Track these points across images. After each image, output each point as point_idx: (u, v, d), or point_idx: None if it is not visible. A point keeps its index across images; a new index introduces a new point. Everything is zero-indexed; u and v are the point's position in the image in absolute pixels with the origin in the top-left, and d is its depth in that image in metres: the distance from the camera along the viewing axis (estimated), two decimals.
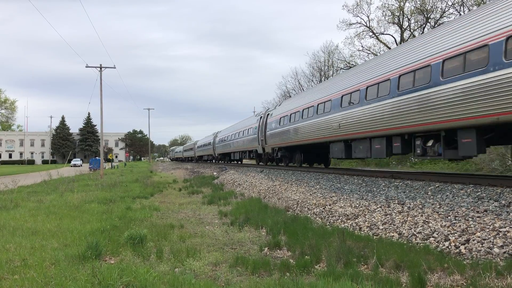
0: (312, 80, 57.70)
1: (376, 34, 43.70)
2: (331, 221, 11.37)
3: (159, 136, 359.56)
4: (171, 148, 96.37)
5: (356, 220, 10.61)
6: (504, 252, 6.54)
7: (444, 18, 36.04)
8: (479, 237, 7.29)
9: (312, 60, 67.86)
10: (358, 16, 43.86)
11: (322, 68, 56.27)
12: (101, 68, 38.74)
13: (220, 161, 55.74)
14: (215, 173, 35.89)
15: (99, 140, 57.88)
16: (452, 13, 35.18)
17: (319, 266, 7.22)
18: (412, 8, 39.64)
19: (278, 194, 17.30)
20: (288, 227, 10.27)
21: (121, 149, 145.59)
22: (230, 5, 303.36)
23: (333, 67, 54.09)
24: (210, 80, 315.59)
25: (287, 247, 8.64)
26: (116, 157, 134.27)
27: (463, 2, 34.11)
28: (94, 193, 19.97)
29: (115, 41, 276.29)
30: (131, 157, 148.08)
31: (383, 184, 13.55)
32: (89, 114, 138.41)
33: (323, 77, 54.05)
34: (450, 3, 36.36)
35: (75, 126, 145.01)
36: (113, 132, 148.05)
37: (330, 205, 12.82)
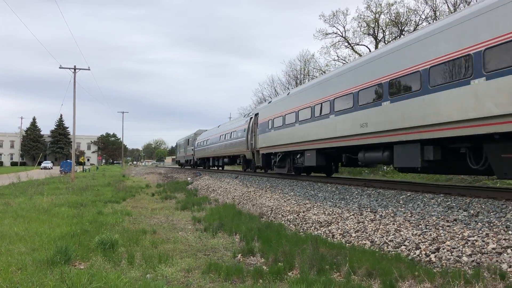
0: (288, 88, 58.02)
1: (352, 45, 44.36)
2: (305, 228, 11.42)
3: (133, 140, 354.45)
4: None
5: (329, 228, 10.68)
6: (473, 261, 6.68)
7: (418, 30, 36.87)
8: (448, 245, 7.43)
9: (288, 68, 68.38)
10: (334, 26, 44.37)
11: (298, 76, 56.74)
12: (75, 70, 38.08)
13: (199, 167, 50.67)
14: (189, 179, 35.61)
15: (71, 142, 56.81)
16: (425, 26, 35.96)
17: (292, 273, 7.22)
18: (387, 20, 40.47)
19: (252, 200, 17.27)
20: (262, 233, 10.25)
21: (94, 152, 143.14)
22: (209, 11, 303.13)
23: (308, 75, 54.59)
24: (186, 85, 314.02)
25: (261, 253, 8.62)
26: (88, 160, 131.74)
27: (436, 16, 35.00)
28: (64, 196, 19.52)
29: (91, 43, 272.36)
30: (104, 161, 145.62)
31: (356, 192, 13.70)
32: (61, 116, 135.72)
33: (299, 85, 54.44)
34: (423, 17, 37.30)
35: (46, 128, 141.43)
36: (86, 135, 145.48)
37: (304, 212, 12.88)
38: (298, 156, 20.17)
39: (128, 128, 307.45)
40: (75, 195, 20.32)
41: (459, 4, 32.67)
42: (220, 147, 36.07)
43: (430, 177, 22.36)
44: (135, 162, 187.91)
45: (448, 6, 34.25)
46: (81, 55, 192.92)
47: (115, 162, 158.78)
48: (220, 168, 43.86)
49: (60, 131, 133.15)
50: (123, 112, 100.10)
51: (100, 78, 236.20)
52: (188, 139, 55.87)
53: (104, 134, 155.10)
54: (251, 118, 28.11)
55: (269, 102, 25.46)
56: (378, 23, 41.03)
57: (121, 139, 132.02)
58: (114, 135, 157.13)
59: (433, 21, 34.04)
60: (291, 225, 12.03)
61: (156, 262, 7.79)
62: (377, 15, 40.64)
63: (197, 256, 8.67)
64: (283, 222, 12.56)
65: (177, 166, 70.83)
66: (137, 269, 7.39)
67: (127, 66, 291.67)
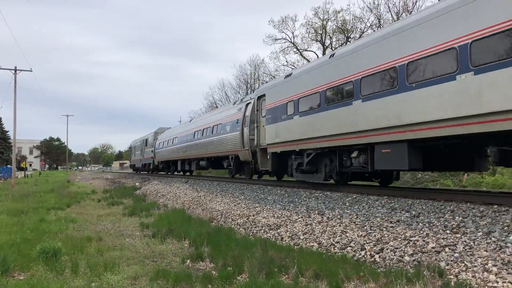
0: (239, 92, 58.23)
1: (300, 50, 45.16)
2: (254, 231, 11.47)
3: (78, 144, 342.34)
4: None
5: (278, 230, 10.79)
6: (414, 260, 6.97)
7: (363, 37, 38.16)
8: (392, 246, 7.71)
9: (239, 72, 68.68)
10: (283, 32, 44.99)
11: (249, 81, 57.05)
12: (16, 71, 36.38)
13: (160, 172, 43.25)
14: (137, 184, 34.85)
15: (12, 147, 54.02)
16: (370, 34, 37.26)
17: (241, 277, 7.23)
18: (334, 27, 41.55)
19: (202, 205, 17.15)
20: (212, 238, 10.20)
21: (36, 157, 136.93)
22: (159, 13, 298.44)
23: (259, 80, 55.04)
24: (136, 88, 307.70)
25: (210, 258, 8.57)
26: (30, 165, 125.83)
27: (380, 24, 36.33)
28: (3, 203, 18.57)
29: (34, 44, 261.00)
30: (47, 166, 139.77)
31: (305, 195, 13.93)
32: (0, 119, 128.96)
33: (249, 90, 54.76)
34: (368, 25, 38.63)
35: None
36: (28, 139, 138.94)
37: (253, 215, 12.94)
38: (353, 155, 12.55)
39: (73, 132, 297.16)
40: (15, 202, 19.36)
41: (402, 13, 34.08)
42: (196, 147, 28.67)
43: None
44: (80, 167, 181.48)
45: (391, 14, 35.67)
46: (23, 56, 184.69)
47: (59, 167, 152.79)
48: (189, 174, 35.52)
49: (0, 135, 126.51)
50: (67, 116, 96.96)
51: (44, 80, 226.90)
52: (145, 140, 47.90)
53: (48, 138, 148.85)
54: (248, 104, 20.80)
55: (288, 76, 16.61)
56: (325, 30, 42.04)
57: (65, 144, 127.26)
58: (58, 139, 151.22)
59: (377, 29, 35.37)
60: (241, 229, 12.05)
61: (102, 270, 7.55)
62: (325, 22, 41.66)
63: (144, 263, 8.49)
64: (233, 226, 12.56)
65: (131, 172, 61.16)
66: (81, 278, 7.14)
67: (72, 68, 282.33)
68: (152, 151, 43.63)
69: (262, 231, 11.27)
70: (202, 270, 7.91)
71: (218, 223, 13.33)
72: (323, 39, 42.89)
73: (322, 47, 43.19)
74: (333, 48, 40.93)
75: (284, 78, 16.94)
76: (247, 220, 12.68)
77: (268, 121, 17.49)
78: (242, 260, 7.91)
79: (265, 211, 13.06)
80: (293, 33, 45.64)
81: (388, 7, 36.56)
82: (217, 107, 53.97)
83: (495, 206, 8.04)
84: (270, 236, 10.58)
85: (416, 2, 34.37)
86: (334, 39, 42.52)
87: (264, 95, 18.51)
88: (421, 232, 7.88)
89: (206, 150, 26.67)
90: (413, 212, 9.09)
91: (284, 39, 45.13)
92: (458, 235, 7.25)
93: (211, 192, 19.89)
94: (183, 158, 32.40)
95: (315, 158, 14.56)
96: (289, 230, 10.56)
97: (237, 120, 21.74)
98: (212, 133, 25.54)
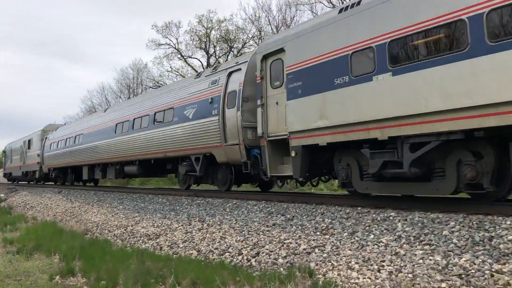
0: (120, 97, 56.04)
1: (184, 57, 44.97)
2: (132, 242, 11.08)
3: None
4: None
5: (158, 240, 10.55)
6: (287, 262, 7.30)
7: (245, 48, 39.38)
8: (267, 249, 7.98)
9: (120, 76, 66.16)
10: (167, 37, 44.39)
11: (131, 85, 55.23)
12: None
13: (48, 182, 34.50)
14: (2, 195, 31.59)
15: None
16: (252, 45, 38.57)
17: None
18: (218, 36, 42.10)
19: (77, 216, 16.12)
20: (85, 251, 9.61)
21: None
22: (30, 8, 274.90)
23: (142, 85, 53.56)
24: (1, 90, 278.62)
25: (82, 273, 8.07)
26: None
27: (261, 36, 37.77)
28: None
29: None
30: None
31: (186, 202, 13.83)
32: None
33: (132, 94, 53.02)
34: (250, 36, 39.93)
35: None
36: None
37: (132, 225, 12.50)
38: None
39: None
40: None
41: (281, 27, 35.78)
42: (121, 145, 19.94)
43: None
44: None
45: (271, 28, 37.26)
46: None
47: None
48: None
49: None
50: None
51: None
52: (28, 141, 38.04)
53: None
54: (233, 72, 13.74)
55: (355, 4, 9.22)
56: (209, 38, 42.42)
57: None
58: None
59: (258, 40, 36.74)
60: (118, 240, 11.55)
61: None
62: (209, 31, 42.01)
63: (5, 282, 7.70)
64: (109, 237, 11.99)
65: (5, 182, 48.57)
66: None
67: None
68: (38, 155, 34.54)
69: (141, 241, 10.93)
70: (73, 286, 7.41)
71: (93, 235, 12.63)
72: (207, 47, 43.24)
73: (206, 55, 43.51)
74: (217, 57, 41.51)
75: (339, 13, 9.60)
76: (125, 231, 12.20)
77: (296, 93, 10.51)
78: (117, 273, 7.58)
79: (144, 221, 12.69)
80: (177, 39, 45.22)
81: (269, 20, 38.16)
82: (95, 111, 46.61)
83: (359, 208, 8.76)
84: (148, 246, 10.29)
85: (293, 17, 36.35)
86: (218, 48, 43.12)
87: (280, 52, 11.34)
88: (294, 234, 8.28)
89: (141, 149, 18.15)
90: (288, 216, 9.52)
91: (168, 44, 44.57)
92: (327, 236, 7.76)
93: (86, 202, 18.77)
94: (93, 162, 23.68)
95: (432, 152, 7.86)
96: (168, 239, 10.38)
97: (211, 99, 14.04)
98: (154, 123, 17.29)
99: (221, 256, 8.40)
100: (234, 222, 10.18)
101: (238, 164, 13.20)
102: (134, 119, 19.29)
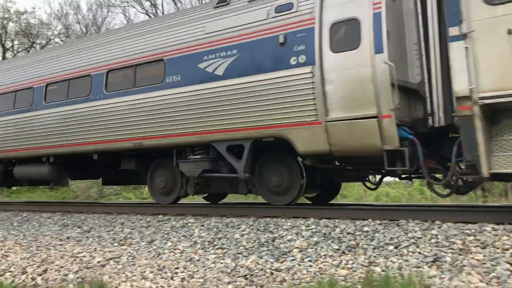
0: None
1: None
2: None
3: None
4: None
5: None
6: (78, 277, 6.78)
7: (50, 45, 36.11)
8: (57, 265, 7.30)
9: None
10: None
11: None
12: None
13: None
14: None
15: None
16: (57, 42, 35.59)
17: None
18: (17, 29, 37.74)
19: None
20: None
21: None
22: None
23: None
24: None
25: None
26: None
27: (68, 34, 35.24)
28: None
29: None
30: None
31: None
32: None
33: None
34: (56, 33, 36.93)
35: None
36: None
37: None
38: None
39: None
40: None
41: (91, 27, 34.00)
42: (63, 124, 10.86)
43: (51, 195, 21.79)
44: None
45: (80, 26, 35.12)
46: None
47: None
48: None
49: None
50: None
51: None
52: None
53: None
54: None
55: None
56: (6, 31, 37.73)
57: None
58: None
59: (65, 39, 34.23)
60: None
61: None
62: (5, 22, 37.36)
63: None
64: None
65: None
66: None
67: None
68: None
69: None
70: None
71: None
72: (4, 40, 38.33)
73: (2, 49, 38.50)
74: (14, 52, 37.06)
75: None
76: None
77: None
78: None
79: None
80: None
81: (77, 18, 35.85)
82: None
83: (160, 216, 8.71)
84: None
85: (105, 19, 34.88)
86: (16, 42, 38.59)
87: None
88: (89, 247, 7.77)
89: (99, 132, 10.21)
90: (85, 228, 8.92)
91: None
92: (124, 247, 7.49)
93: None
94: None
95: None
96: None
97: (283, 36, 7.80)
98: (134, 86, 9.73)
99: (1, 277, 7.38)
100: (22, 237, 9.10)
101: (363, 155, 7.38)
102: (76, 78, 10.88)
